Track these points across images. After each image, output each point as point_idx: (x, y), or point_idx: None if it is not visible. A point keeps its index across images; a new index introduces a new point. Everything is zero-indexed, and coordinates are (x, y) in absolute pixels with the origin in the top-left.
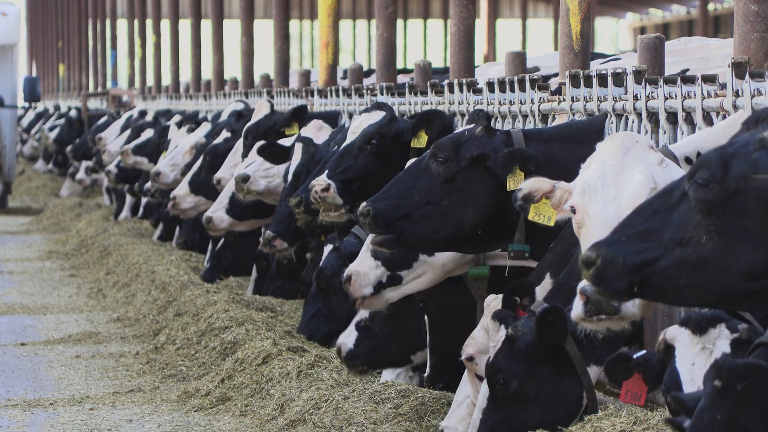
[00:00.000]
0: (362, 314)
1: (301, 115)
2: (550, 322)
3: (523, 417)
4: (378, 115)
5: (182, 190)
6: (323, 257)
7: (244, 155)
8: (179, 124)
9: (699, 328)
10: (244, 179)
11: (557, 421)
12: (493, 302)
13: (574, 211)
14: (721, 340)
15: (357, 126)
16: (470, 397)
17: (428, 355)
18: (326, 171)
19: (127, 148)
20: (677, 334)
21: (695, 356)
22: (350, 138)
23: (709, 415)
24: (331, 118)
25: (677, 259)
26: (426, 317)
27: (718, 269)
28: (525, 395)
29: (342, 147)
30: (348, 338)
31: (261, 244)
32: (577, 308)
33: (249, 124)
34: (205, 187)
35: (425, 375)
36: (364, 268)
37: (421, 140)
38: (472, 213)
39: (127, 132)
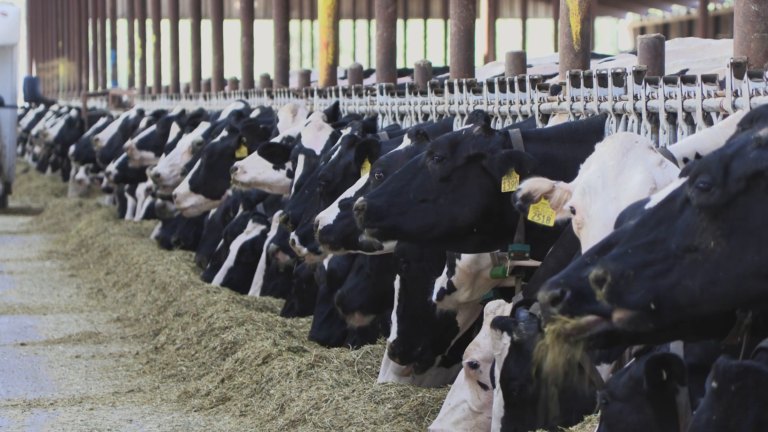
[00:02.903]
0: (347, 193)
1: (336, 114)
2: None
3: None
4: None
5: (183, 188)
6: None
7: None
8: (180, 121)
9: None
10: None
11: (577, 418)
12: (498, 309)
13: (573, 212)
14: None
15: None
16: (467, 402)
17: (395, 320)
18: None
19: (131, 143)
20: None
21: None
22: None
23: (707, 416)
24: None
25: (689, 268)
26: (399, 283)
27: (730, 274)
28: (542, 396)
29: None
30: (328, 213)
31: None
32: None
33: (290, 130)
34: (203, 185)
35: (389, 341)
36: (440, 276)
37: None
38: (467, 212)
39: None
